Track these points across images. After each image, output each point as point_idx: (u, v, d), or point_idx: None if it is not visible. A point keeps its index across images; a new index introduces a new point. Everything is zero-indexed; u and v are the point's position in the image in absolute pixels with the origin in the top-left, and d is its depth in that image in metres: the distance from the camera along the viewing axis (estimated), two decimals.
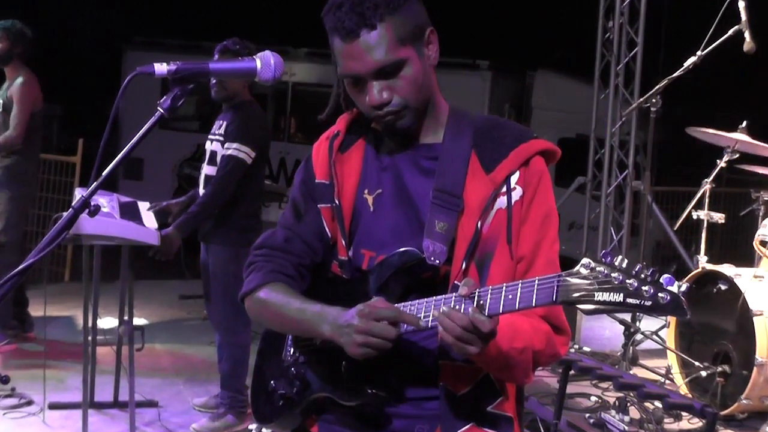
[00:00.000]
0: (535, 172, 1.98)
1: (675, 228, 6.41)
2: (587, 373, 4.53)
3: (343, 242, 2.02)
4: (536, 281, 1.69)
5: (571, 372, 4.52)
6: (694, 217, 5.62)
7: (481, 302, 1.74)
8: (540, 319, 1.94)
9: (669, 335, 5.51)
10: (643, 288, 1.59)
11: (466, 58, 10.76)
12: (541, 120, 10.60)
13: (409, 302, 1.88)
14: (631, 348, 5.90)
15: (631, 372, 5.53)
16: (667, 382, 5.37)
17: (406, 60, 1.91)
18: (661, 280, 1.59)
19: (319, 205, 2.07)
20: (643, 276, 1.60)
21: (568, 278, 1.65)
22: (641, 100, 6.09)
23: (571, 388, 4.93)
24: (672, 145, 10.12)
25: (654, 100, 5.78)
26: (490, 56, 11.04)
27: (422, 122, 2.01)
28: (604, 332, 7.48)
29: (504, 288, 1.73)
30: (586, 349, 6.64)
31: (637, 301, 1.59)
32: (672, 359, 5.43)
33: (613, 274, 1.61)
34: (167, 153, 11.28)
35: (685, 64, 5.63)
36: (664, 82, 5.71)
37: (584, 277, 1.64)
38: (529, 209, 1.97)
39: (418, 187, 2.00)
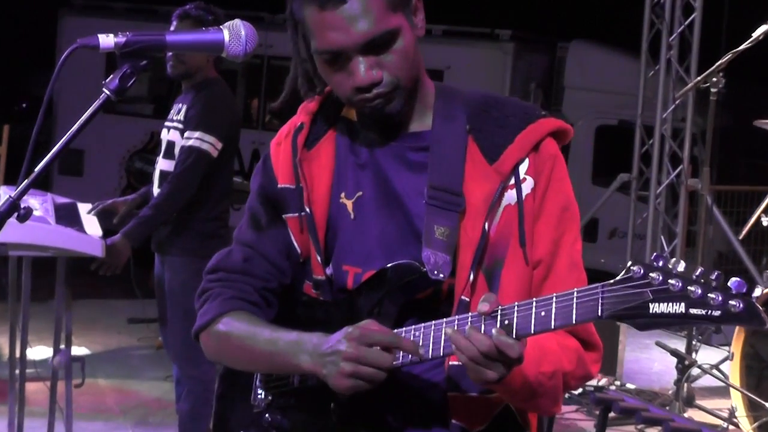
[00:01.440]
0: (547, 157, 1.99)
1: (741, 236, 6.42)
2: (631, 415, 4.54)
3: (319, 259, 2.02)
4: (575, 293, 1.70)
5: (611, 414, 4.52)
6: (764, 223, 5.63)
7: (506, 322, 1.75)
8: (566, 333, 1.95)
9: (733, 370, 5.51)
10: (710, 295, 1.59)
11: (483, 26, 10.76)
12: (576, 103, 10.61)
13: (413, 326, 1.88)
14: (685, 385, 5.91)
15: (685, 415, 5.54)
16: (731, 427, 5.37)
17: (399, 30, 1.92)
18: (729, 285, 1.60)
19: (284, 216, 2.07)
20: (707, 281, 1.60)
21: (614, 288, 1.66)
22: (699, 78, 6.10)
23: None
24: (737, 135, 10.13)
25: (715, 79, 5.80)
26: (513, 25, 11.05)
27: (411, 106, 2.02)
28: (652, 365, 7.49)
29: (534, 304, 1.74)
30: (630, 386, 6.66)
31: (704, 312, 1.60)
32: (737, 399, 5.43)
33: (670, 281, 1.62)
34: (113, 143, 11.27)
35: (754, 35, 5.64)
36: (728, 56, 5.72)
37: (634, 286, 1.64)
38: (544, 202, 1.98)
39: (406, 185, 2.00)
